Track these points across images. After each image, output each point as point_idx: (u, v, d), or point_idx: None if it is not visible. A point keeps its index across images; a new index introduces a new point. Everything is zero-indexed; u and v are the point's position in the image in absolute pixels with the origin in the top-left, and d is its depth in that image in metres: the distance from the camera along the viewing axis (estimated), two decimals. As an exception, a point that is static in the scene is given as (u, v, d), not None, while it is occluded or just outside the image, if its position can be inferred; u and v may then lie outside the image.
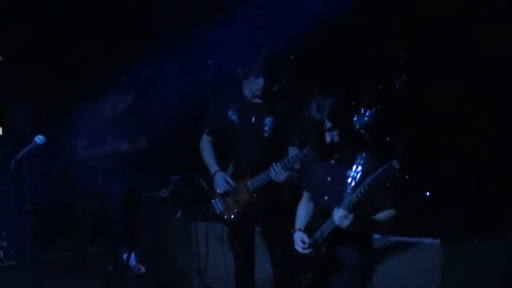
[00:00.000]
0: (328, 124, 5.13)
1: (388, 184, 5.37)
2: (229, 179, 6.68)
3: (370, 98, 7.69)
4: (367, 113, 6.40)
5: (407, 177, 7.61)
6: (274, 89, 7.01)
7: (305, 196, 5.62)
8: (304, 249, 5.31)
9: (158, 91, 9.08)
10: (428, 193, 7.73)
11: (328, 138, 5.14)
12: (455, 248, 6.97)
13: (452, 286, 6.91)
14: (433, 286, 6.90)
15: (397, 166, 4.86)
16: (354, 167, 5.04)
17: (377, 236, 6.91)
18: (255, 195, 6.54)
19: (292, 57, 8.21)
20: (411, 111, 7.96)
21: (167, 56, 9.06)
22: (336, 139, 5.15)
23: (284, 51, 7.97)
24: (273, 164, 6.36)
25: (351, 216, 4.98)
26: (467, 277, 6.92)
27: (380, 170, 4.93)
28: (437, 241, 6.87)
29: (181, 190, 8.45)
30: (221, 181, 6.67)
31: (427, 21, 8.31)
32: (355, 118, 6.36)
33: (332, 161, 5.29)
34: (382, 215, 5.18)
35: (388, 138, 7.73)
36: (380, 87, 8.02)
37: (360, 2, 8.29)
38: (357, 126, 6.41)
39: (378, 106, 7.06)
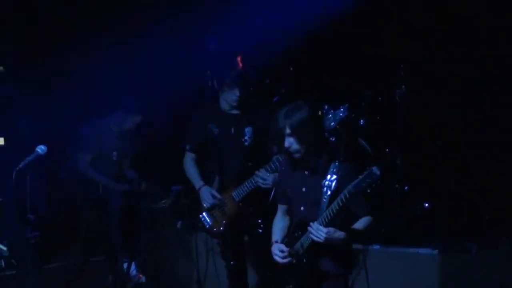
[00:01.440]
0: (288, 130, 5.15)
1: (368, 191, 5.37)
2: (214, 192, 6.74)
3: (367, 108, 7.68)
4: (341, 109, 6.33)
5: (406, 188, 7.61)
6: (274, 100, 7.29)
7: (280, 210, 5.65)
8: (283, 258, 5.30)
9: (159, 104, 9.09)
10: (426, 204, 7.74)
11: (286, 144, 5.17)
12: (453, 258, 6.98)
13: None
14: None
15: (378, 172, 4.85)
16: (329, 176, 5.08)
17: (376, 247, 7.10)
18: (241, 204, 6.62)
19: (291, 68, 8.18)
20: (410, 123, 7.89)
21: (166, 69, 9.04)
22: (294, 145, 5.17)
23: (283, 62, 8.27)
24: (256, 172, 6.48)
25: (326, 230, 4.99)
26: (466, 286, 6.97)
27: (360, 177, 4.91)
28: (435, 251, 6.87)
29: (181, 201, 8.18)
30: (207, 195, 6.76)
31: (426, 33, 8.34)
32: (330, 116, 6.32)
33: (306, 172, 5.29)
34: (360, 224, 5.18)
35: (387, 150, 7.73)
36: (380, 98, 8.01)
37: (360, 14, 8.23)
38: (333, 123, 6.35)
39: (378, 117, 7.36)
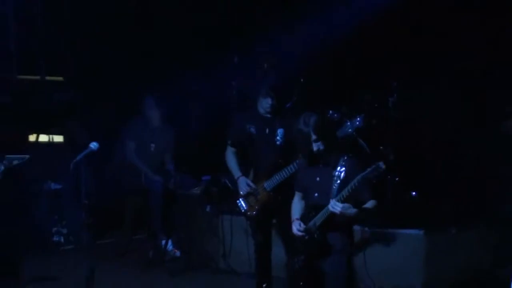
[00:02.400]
0: (314, 136, 5.27)
1: (374, 181, 5.37)
2: (250, 182, 6.77)
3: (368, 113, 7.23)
4: (358, 118, 6.36)
5: (397, 179, 7.58)
6: (287, 106, 7.07)
7: (297, 195, 5.77)
8: (300, 231, 5.44)
9: (192, 106, 9.11)
10: (414, 193, 7.79)
11: (315, 148, 5.28)
12: (436, 238, 7.17)
13: (433, 270, 7.11)
14: (417, 270, 7.10)
15: (383, 167, 5.01)
16: (338, 167, 5.21)
17: (372, 229, 7.21)
18: (271, 193, 6.64)
19: (302, 79, 8.05)
20: (400, 124, 7.89)
21: (199, 76, 9.05)
22: (321, 147, 5.28)
23: (295, 74, 8.08)
24: (288, 167, 6.47)
25: (341, 205, 5.12)
26: (447, 262, 7.13)
27: (369, 169, 5.06)
28: (421, 232, 7.05)
29: (210, 189, 8.47)
30: (243, 184, 6.78)
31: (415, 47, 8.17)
32: (348, 123, 6.33)
33: (320, 165, 5.40)
34: (367, 205, 5.32)
35: (381, 147, 7.64)
36: (376, 105, 7.81)
37: (361, 33, 8.13)
38: (350, 130, 6.36)
39: (374, 120, 7.08)
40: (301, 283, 5.61)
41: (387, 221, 7.20)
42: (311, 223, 5.41)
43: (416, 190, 7.86)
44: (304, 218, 5.55)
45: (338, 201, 5.16)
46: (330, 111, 6.61)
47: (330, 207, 5.21)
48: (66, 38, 9.33)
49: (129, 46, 9.31)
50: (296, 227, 5.53)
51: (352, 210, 5.19)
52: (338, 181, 5.23)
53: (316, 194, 5.44)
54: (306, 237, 5.45)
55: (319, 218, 5.36)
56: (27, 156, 6.66)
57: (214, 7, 9.24)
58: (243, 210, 6.87)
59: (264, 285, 6.95)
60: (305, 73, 8.20)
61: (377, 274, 7.14)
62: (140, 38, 9.34)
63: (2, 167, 6.60)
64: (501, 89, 7.95)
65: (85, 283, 6.07)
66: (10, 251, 7.85)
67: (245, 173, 6.89)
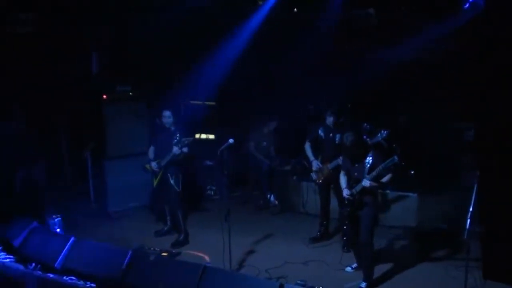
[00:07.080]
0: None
1: (392, 168, 5.94)
2: (319, 164, 7.52)
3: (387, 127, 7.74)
4: (384, 132, 7.32)
5: (403, 163, 7.90)
6: (340, 120, 7.70)
7: (342, 173, 6.55)
8: (347, 195, 6.23)
9: (288, 120, 9.50)
10: (412, 172, 8.73)
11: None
12: (423, 198, 8.17)
13: (421, 216, 8.07)
14: (413, 215, 8.10)
15: (397, 159, 5.84)
16: (368, 158, 6.12)
17: (388, 191, 8.15)
18: (331, 170, 7.45)
19: (349, 105, 8.93)
20: (405, 132, 8.73)
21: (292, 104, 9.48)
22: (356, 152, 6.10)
23: (344, 101, 8.73)
24: (339, 157, 7.12)
25: (369, 182, 5.95)
26: (429, 212, 8.10)
27: (388, 161, 5.85)
28: (415, 194, 8.13)
29: (296, 166, 9.25)
30: (315, 164, 7.55)
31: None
32: (378, 134, 7.26)
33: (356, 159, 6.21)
34: (384, 179, 6.07)
35: (394, 145, 8.16)
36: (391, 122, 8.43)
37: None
38: (380, 138, 7.24)
39: (390, 130, 7.66)
40: (347, 222, 6.53)
41: (397, 188, 8.09)
42: (353, 190, 6.21)
43: (412, 170, 8.71)
44: (349, 187, 6.29)
45: (367, 180, 5.97)
46: (365, 124, 7.84)
47: (362, 182, 5.99)
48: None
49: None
50: (345, 193, 6.25)
51: (374, 184, 6.00)
52: (368, 166, 6.04)
53: (356, 174, 6.26)
54: (351, 198, 6.20)
55: (357, 188, 6.18)
56: (192, 138, 7.48)
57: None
58: (314, 179, 7.68)
59: (324, 222, 7.79)
60: (350, 102, 9.04)
61: (390, 217, 8.13)
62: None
63: (183, 144, 7.44)
64: (458, 112, 8.44)
65: (224, 218, 6.57)
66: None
67: (316, 158, 7.62)
